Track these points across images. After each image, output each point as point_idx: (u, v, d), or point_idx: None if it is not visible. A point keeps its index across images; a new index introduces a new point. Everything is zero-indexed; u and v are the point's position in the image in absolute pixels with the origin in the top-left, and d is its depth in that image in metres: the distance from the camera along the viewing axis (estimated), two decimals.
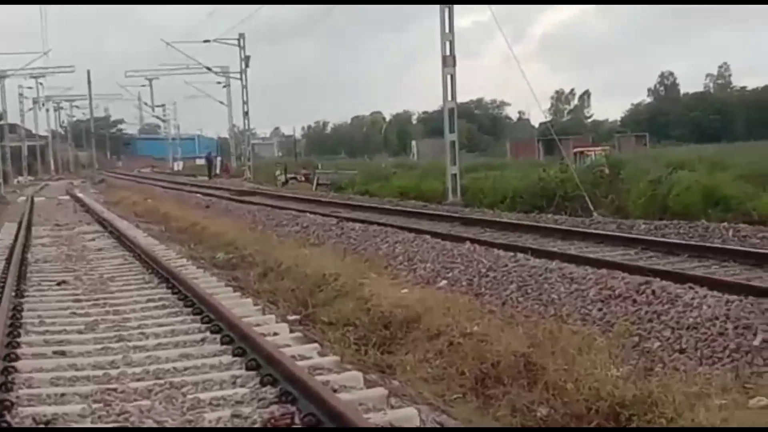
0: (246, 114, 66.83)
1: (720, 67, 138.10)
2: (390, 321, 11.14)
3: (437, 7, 29.89)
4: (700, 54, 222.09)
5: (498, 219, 22.49)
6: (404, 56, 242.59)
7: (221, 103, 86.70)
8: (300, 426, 6.28)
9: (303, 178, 50.43)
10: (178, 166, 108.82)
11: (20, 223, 26.70)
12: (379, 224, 20.95)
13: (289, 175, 53.94)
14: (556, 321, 10.39)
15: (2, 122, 74.10)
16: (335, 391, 6.92)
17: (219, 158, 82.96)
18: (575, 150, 48.77)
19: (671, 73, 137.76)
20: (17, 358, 8.61)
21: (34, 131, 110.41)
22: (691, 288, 10.75)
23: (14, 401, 7.06)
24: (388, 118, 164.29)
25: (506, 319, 10.53)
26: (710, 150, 45.19)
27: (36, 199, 44.81)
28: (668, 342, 9.40)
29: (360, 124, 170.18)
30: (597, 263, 13.19)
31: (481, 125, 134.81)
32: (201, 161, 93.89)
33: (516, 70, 36.24)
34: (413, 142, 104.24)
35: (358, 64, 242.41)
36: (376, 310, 11.64)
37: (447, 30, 29.60)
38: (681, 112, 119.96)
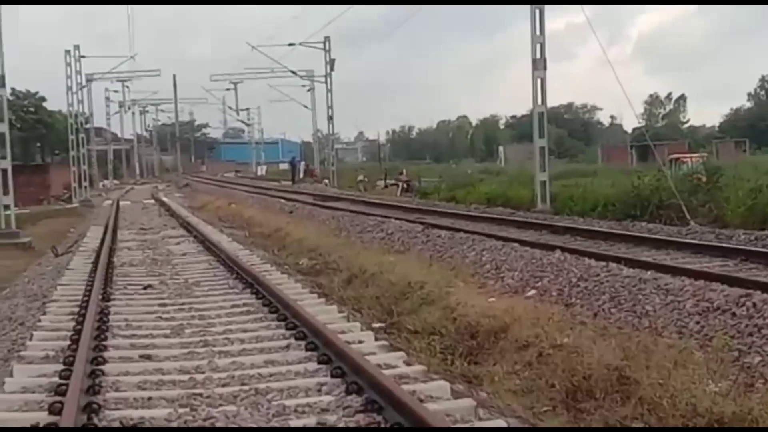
0: (330, 118, 67.13)
1: None
2: (477, 331, 11.10)
3: (528, 8, 29.74)
4: None
5: (589, 227, 22.31)
6: (492, 60, 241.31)
7: (305, 106, 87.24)
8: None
9: (405, 185, 49.49)
10: (262, 170, 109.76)
11: (106, 227, 27.24)
12: (465, 231, 20.90)
13: (389, 181, 53.50)
14: (650, 334, 10.25)
15: (89, 126, 75.28)
16: (422, 401, 6.93)
17: (303, 162, 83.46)
18: (671, 156, 47.97)
19: None
20: (104, 361, 8.80)
21: (119, 135, 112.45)
22: None
23: (102, 404, 7.21)
24: (474, 123, 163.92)
25: (598, 331, 10.42)
26: None
27: (121, 203, 45.60)
28: None
29: (446, 129, 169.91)
30: (694, 274, 13.01)
31: (572, 130, 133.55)
32: (284, 166, 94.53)
33: (609, 73, 35.98)
34: (501, 148, 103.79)
35: (443, 68, 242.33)
36: (463, 320, 11.60)
37: (537, 32, 29.41)
38: None
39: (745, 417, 6.98)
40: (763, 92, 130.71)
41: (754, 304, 10.60)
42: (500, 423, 6.70)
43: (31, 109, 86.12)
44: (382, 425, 6.48)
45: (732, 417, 7.04)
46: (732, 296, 11.09)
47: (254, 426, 6.68)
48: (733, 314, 10.53)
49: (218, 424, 6.74)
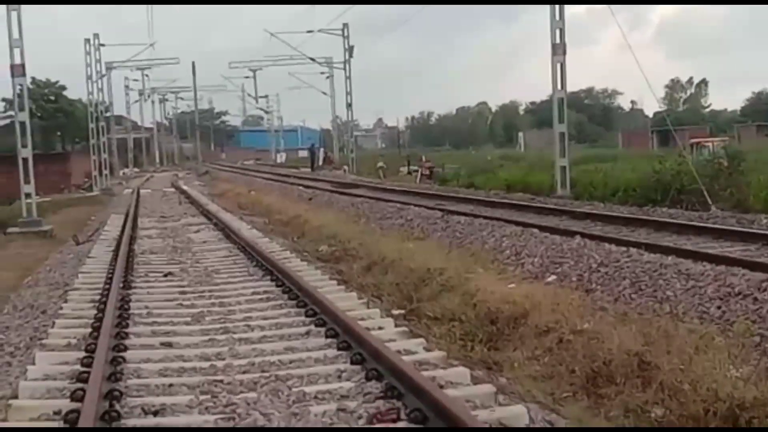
0: (349, 105, 66.99)
1: None
2: (497, 317, 11.10)
3: None
4: None
5: (609, 213, 22.25)
6: (512, 45, 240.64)
7: (324, 93, 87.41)
8: (406, 421, 6.31)
9: (428, 171, 49.25)
10: (281, 157, 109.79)
11: (127, 215, 27.38)
12: (485, 217, 20.89)
13: (412, 168, 53.27)
14: (671, 319, 10.23)
15: (109, 114, 75.39)
16: (442, 387, 6.94)
17: (322, 150, 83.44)
18: (692, 141, 47.89)
19: None
20: (126, 348, 8.85)
21: (139, 123, 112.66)
22: None
23: (124, 391, 7.26)
24: (494, 109, 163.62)
25: (619, 317, 10.42)
26: None
27: (141, 191, 45.75)
28: None
29: (465, 116, 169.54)
30: (715, 259, 12.98)
31: (592, 115, 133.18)
32: (303, 153, 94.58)
33: (630, 57, 35.80)
34: (520, 134, 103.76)
35: (462, 55, 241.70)
36: (483, 306, 11.60)
37: (557, 17, 29.30)
38: None
39: (767, 402, 6.97)
40: None
41: None
42: (521, 409, 6.68)
43: (52, 98, 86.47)
44: (402, 411, 6.49)
45: (753, 402, 7.02)
46: (753, 281, 11.06)
47: (275, 413, 6.70)
48: (755, 299, 10.51)
49: (239, 411, 6.76)
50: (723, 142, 43.05)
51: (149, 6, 76.90)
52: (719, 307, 10.66)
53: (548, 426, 5.16)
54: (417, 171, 50.28)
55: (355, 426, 6.33)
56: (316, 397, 7.05)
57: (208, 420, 6.61)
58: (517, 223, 19.21)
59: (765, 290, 10.65)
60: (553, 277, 13.72)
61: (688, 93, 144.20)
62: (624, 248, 14.46)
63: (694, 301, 11.10)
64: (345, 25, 64.93)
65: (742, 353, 8.68)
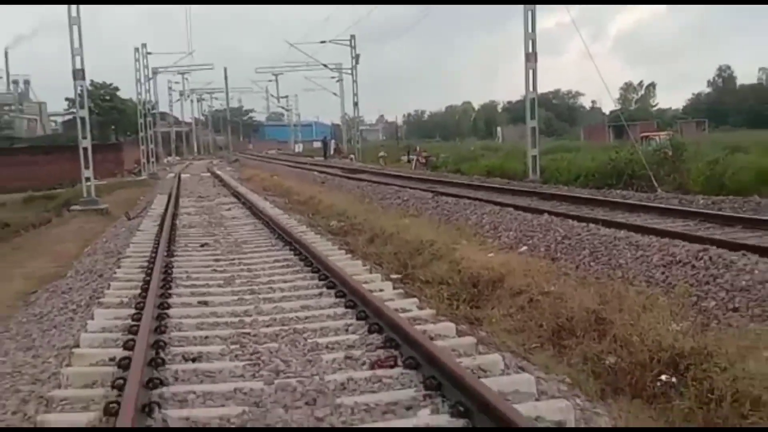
0: (356, 104, 66.93)
1: None
2: (478, 280, 11.15)
3: (521, 9, 29.54)
4: (755, 50, 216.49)
5: (572, 194, 22.23)
6: (494, 53, 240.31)
7: (334, 94, 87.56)
8: (401, 367, 6.32)
9: (424, 160, 49.13)
10: (299, 148, 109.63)
11: (170, 195, 27.37)
12: (468, 198, 20.88)
13: (411, 156, 52.83)
14: (623, 282, 10.27)
15: (155, 111, 75.43)
16: (432, 339, 6.96)
17: (333, 141, 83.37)
18: (642, 134, 47.76)
19: (728, 67, 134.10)
20: (169, 306, 8.88)
21: (180, 119, 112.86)
22: (744, 255, 10.56)
23: (167, 342, 7.29)
24: (477, 107, 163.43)
25: (579, 281, 10.45)
26: (764, 135, 43.83)
27: (182, 176, 45.66)
28: (723, 302, 9.25)
29: (453, 113, 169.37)
30: (660, 233, 12.99)
31: (558, 113, 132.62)
32: (317, 144, 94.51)
33: (591, 64, 35.71)
34: (498, 128, 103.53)
35: (451, 61, 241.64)
36: (466, 271, 11.65)
37: (530, 30, 29.27)
38: (737, 101, 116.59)
39: (702, 351, 6.99)
40: (720, 80, 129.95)
41: (710, 258, 10.59)
42: (497, 357, 6.69)
43: (107, 98, 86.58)
44: (399, 359, 6.50)
45: (690, 351, 7.06)
46: (692, 251, 11.08)
47: (293, 359, 6.72)
48: (693, 266, 10.54)
49: (263, 358, 6.78)
50: (668, 135, 42.80)
51: (188, 16, 76.62)
52: (663, 273, 10.70)
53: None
54: (416, 160, 50.03)
55: (360, 372, 6.34)
56: (327, 347, 7.08)
57: (237, 365, 6.63)
58: (495, 203, 19.20)
59: (701, 259, 10.68)
60: (525, 247, 13.75)
61: (639, 94, 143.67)
62: (584, 224, 14.46)
63: (642, 267, 11.14)
64: (352, 36, 64.80)
65: (682, 311, 8.72)
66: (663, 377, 6.97)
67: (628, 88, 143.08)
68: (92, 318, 8.72)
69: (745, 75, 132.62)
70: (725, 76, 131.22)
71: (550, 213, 16.37)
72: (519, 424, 4.55)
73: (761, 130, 57.73)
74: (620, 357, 7.56)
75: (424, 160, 48.62)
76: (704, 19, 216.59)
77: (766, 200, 18.26)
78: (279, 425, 5.22)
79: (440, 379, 5.72)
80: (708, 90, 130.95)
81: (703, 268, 10.38)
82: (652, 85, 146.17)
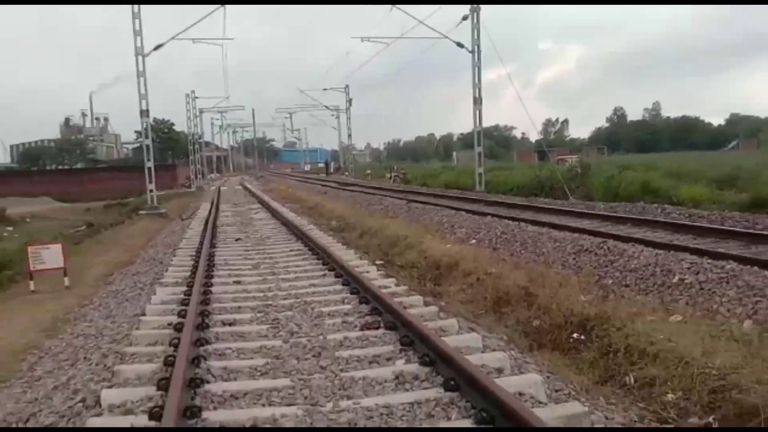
0: (349, 135, 66.84)
1: (654, 104, 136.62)
2: (439, 264, 11.18)
3: (470, 63, 29.54)
4: (641, 95, 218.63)
5: (508, 201, 22.27)
6: (450, 97, 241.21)
7: (333, 128, 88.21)
8: (383, 329, 6.32)
9: (402, 175, 49.10)
10: (307, 167, 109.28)
11: (212, 203, 27.29)
12: (432, 204, 20.92)
13: (394, 174, 52.75)
14: (545, 266, 10.33)
15: (201, 140, 75.28)
16: (405, 308, 6.96)
17: (333, 162, 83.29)
18: (558, 157, 48.03)
19: (621, 108, 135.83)
20: (211, 284, 8.85)
21: (219, 146, 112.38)
22: (633, 245, 10.62)
23: (210, 311, 7.27)
24: (438, 137, 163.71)
25: (513, 265, 10.49)
26: (647, 158, 44.18)
27: (221, 188, 45.55)
28: (618, 279, 9.31)
29: (421, 141, 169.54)
30: (572, 229, 13.04)
31: (498, 141, 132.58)
32: (321, 165, 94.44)
33: (522, 105, 35.60)
34: (454, 153, 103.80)
35: (420, 103, 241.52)
36: (431, 258, 11.68)
37: (477, 81, 29.29)
38: (627, 133, 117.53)
39: (603, 316, 7.04)
40: (615, 117, 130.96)
41: (608, 247, 10.65)
42: (453, 321, 6.70)
43: (165, 130, 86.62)
44: (382, 323, 6.51)
45: (594, 316, 7.10)
46: (595, 242, 11.15)
47: (303, 323, 6.71)
48: (596, 254, 10.60)
49: (281, 322, 6.77)
50: (577, 158, 43.06)
51: (225, 71, 76.05)
52: (574, 259, 10.75)
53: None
54: (396, 176, 50.00)
55: (353, 332, 6.34)
56: (329, 314, 7.07)
57: (262, 328, 6.62)
58: (452, 208, 19.23)
59: (602, 248, 10.74)
60: (474, 240, 13.79)
61: (557, 128, 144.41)
62: (516, 223, 14.53)
63: (559, 255, 11.19)
64: (346, 85, 64.72)
65: (588, 287, 8.79)
66: (574, 335, 7.01)
67: (548, 123, 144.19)
68: (155, 294, 8.69)
69: (634, 113, 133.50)
70: (619, 114, 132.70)
71: (492, 215, 16.41)
72: (472, 369, 4.56)
73: (645, 154, 58.29)
74: (543, 321, 7.60)
75: (402, 176, 48.60)
76: (605, 74, 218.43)
77: (649, 205, 18.40)
78: (293, 373, 5.21)
79: (412, 338, 5.72)
80: (606, 125, 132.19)
81: (603, 255, 10.44)
82: (566, 121, 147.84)
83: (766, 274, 8.09)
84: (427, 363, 5.17)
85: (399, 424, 4.15)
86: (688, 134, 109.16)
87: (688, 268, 8.84)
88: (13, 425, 5.04)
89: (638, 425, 4.81)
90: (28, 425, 4.92)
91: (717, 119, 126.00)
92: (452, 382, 4.64)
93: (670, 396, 5.41)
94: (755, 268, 8.43)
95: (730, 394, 5.12)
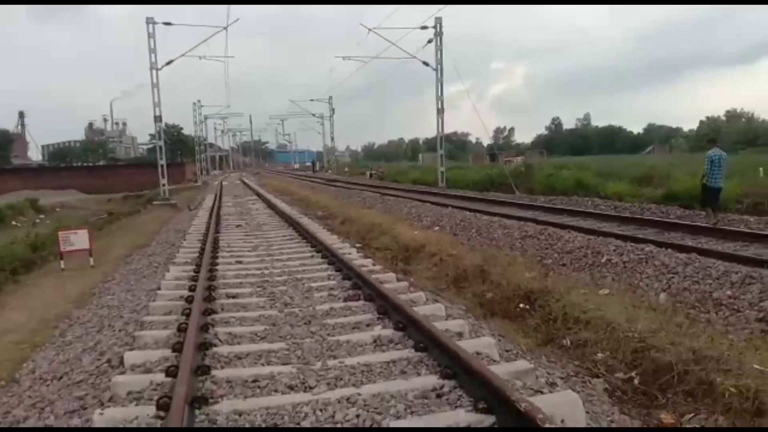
0: (332, 139, 66.93)
1: (585, 114, 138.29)
2: (408, 247, 11.20)
3: (434, 79, 29.53)
4: (575, 107, 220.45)
5: (465, 195, 22.42)
6: (418, 107, 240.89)
7: (319, 132, 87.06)
8: (363, 300, 6.31)
9: (380, 173, 48.76)
10: (296, 166, 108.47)
11: (215, 195, 26.95)
12: (402, 197, 20.97)
13: (372, 171, 52.49)
14: (497, 248, 10.40)
15: (206, 142, 74.41)
16: (381, 282, 6.95)
17: (318, 162, 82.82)
18: (506, 159, 48.17)
19: (558, 117, 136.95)
20: (217, 264, 8.77)
21: (222, 147, 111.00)
22: (569, 231, 10.75)
23: (216, 286, 7.20)
24: (407, 141, 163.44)
25: (470, 248, 10.56)
26: (579, 160, 44.59)
27: (223, 183, 45.03)
28: (556, 260, 9.41)
29: (392, 144, 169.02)
30: (519, 218, 13.18)
31: (456, 145, 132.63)
32: (308, 164, 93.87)
33: (476, 116, 35.67)
34: (420, 155, 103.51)
35: (395, 111, 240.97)
36: (402, 242, 11.69)
37: (439, 94, 29.33)
38: (562, 138, 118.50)
39: (544, 289, 7.11)
40: (553, 125, 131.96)
41: (549, 234, 10.76)
42: (421, 294, 6.72)
43: (175, 133, 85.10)
44: (362, 295, 6.50)
45: (537, 289, 7.17)
46: (537, 229, 11.26)
47: (295, 296, 6.67)
48: (538, 239, 10.70)
49: (276, 296, 6.73)
50: (522, 159, 43.33)
51: (228, 84, 75.15)
52: (520, 243, 10.83)
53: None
54: (374, 174, 49.79)
55: (337, 303, 6.32)
56: (317, 289, 7.02)
57: (261, 300, 6.58)
58: (419, 200, 19.31)
59: (543, 234, 10.84)
60: (437, 227, 13.83)
61: (505, 134, 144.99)
62: (472, 213, 14.62)
63: (508, 239, 11.27)
64: (330, 97, 64.50)
65: (532, 266, 8.85)
66: (521, 305, 7.08)
67: (498, 130, 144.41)
68: (168, 271, 8.58)
69: (568, 123, 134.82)
70: (556, 123, 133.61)
71: (452, 206, 16.50)
72: (437, 333, 4.58)
73: (578, 157, 58.86)
74: (495, 294, 7.66)
75: (380, 174, 48.44)
76: (545, 89, 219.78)
77: (581, 199, 18.62)
78: (288, 337, 5.19)
79: (387, 308, 5.73)
80: (546, 132, 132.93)
81: (545, 239, 10.54)
82: (512, 129, 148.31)
83: (677, 255, 8.24)
84: (400, 329, 5.17)
85: (377, 379, 4.16)
86: (613, 140, 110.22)
87: (614, 250, 8.96)
88: (48, 382, 4.97)
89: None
90: (62, 381, 4.85)
91: (636, 128, 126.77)
92: (421, 344, 4.66)
93: (599, 355, 5.49)
94: (669, 250, 8.59)
95: (649, 353, 5.21)
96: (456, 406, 3.66)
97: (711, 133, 54.29)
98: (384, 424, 3.44)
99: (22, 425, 4.17)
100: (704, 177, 12.35)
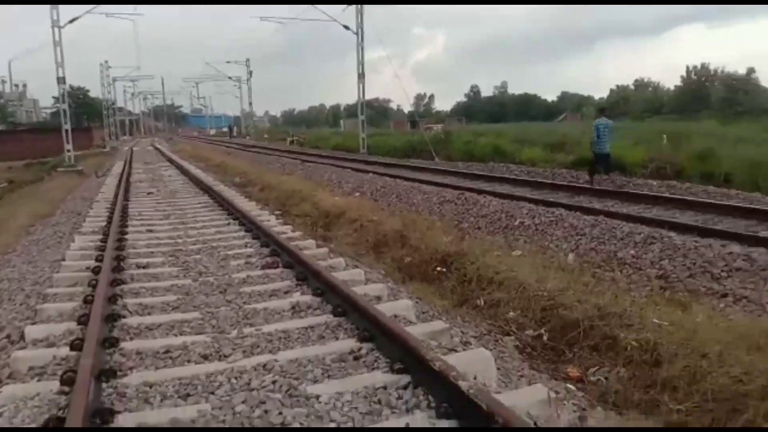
0: (250, 103, 65.35)
1: (502, 82, 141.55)
2: (329, 213, 11.12)
3: (354, 42, 29.16)
4: (492, 75, 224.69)
5: (386, 161, 22.49)
6: (339, 72, 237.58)
7: (237, 96, 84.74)
8: (281, 267, 6.24)
9: (302, 139, 48.13)
10: (212, 131, 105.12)
11: (125, 161, 25.73)
12: (323, 164, 20.82)
13: (293, 137, 51.36)
14: (416, 213, 10.51)
15: (114, 106, 70.68)
16: (300, 249, 6.90)
17: (235, 127, 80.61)
18: (426, 126, 48.62)
19: (477, 85, 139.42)
20: (126, 233, 8.41)
21: (132, 110, 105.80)
22: (485, 196, 11.02)
23: (125, 255, 6.91)
24: (328, 107, 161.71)
25: (390, 213, 10.62)
26: (497, 127, 45.63)
27: (134, 149, 43.05)
28: (472, 224, 9.63)
29: (313, 110, 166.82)
30: (437, 184, 13.38)
31: (378, 112, 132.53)
32: (225, 129, 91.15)
33: (397, 82, 35.62)
34: (342, 121, 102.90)
35: (315, 75, 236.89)
36: (322, 208, 11.59)
37: (360, 59, 29.03)
38: (481, 106, 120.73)
39: (461, 252, 7.26)
40: (472, 93, 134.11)
41: (466, 198, 10.99)
42: (340, 259, 6.72)
43: (81, 96, 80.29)
44: (280, 263, 6.41)
45: (454, 252, 7.31)
46: (455, 194, 11.48)
47: (210, 265, 6.51)
48: (455, 203, 10.91)
49: (190, 265, 6.53)
50: (442, 126, 43.90)
51: (138, 44, 71.49)
52: (438, 208, 11.01)
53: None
54: (295, 140, 48.93)
55: (255, 272, 6.22)
56: (233, 257, 6.89)
57: (173, 270, 6.37)
58: (340, 167, 19.22)
59: (460, 199, 11.06)
60: (358, 194, 13.81)
61: (425, 101, 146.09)
62: (393, 179, 14.72)
63: (427, 204, 11.43)
64: (247, 59, 62.72)
65: (449, 230, 9.02)
66: (438, 268, 7.21)
67: (419, 97, 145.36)
68: (74, 241, 8.14)
69: (486, 90, 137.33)
70: (474, 91, 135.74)
71: (372, 173, 16.54)
72: (356, 297, 4.60)
73: (495, 124, 60.32)
74: (413, 258, 7.76)
75: (301, 140, 47.71)
76: (465, 57, 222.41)
77: (497, 165, 19.13)
78: (202, 306, 5.06)
79: (306, 274, 5.70)
80: (465, 99, 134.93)
81: (461, 204, 10.76)
82: (433, 96, 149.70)
83: (585, 218, 8.63)
84: (319, 294, 5.16)
85: (295, 345, 4.14)
86: (529, 108, 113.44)
87: (527, 214, 9.28)
88: None
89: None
90: None
91: (551, 96, 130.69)
92: (340, 309, 4.67)
93: (511, 314, 5.70)
94: (577, 213, 8.98)
95: (557, 311, 5.45)
96: (373, 368, 3.70)
97: (602, 103, 57.13)
98: (301, 389, 3.43)
99: None
100: (592, 144, 13.13)
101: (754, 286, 5.77)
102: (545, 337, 5.26)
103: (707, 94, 76.30)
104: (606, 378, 4.52)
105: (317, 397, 3.34)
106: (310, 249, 7.23)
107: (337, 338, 4.23)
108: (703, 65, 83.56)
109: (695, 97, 75.79)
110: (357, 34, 28.79)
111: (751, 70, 75.71)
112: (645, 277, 6.48)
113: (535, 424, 3.06)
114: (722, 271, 6.14)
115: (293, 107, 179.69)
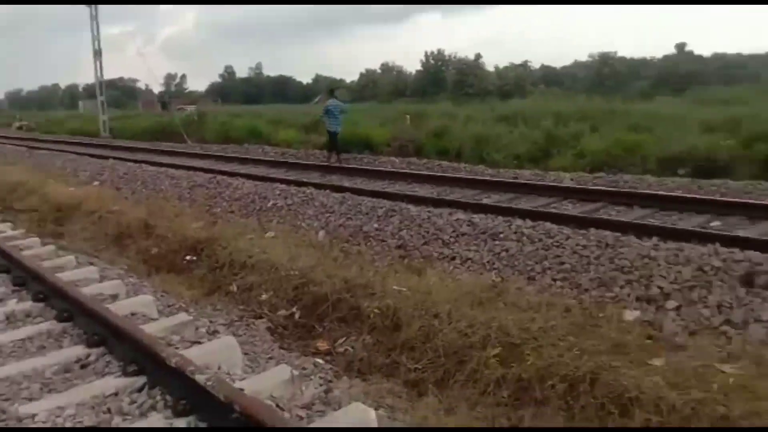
0: None
1: (257, 64, 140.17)
2: (62, 206, 9.88)
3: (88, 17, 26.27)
4: (247, 56, 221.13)
5: (131, 146, 20.83)
6: (77, 48, 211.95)
7: None
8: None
9: (32, 124, 42.11)
10: None
11: None
12: (57, 150, 18.59)
13: (21, 122, 44.64)
14: (164, 201, 9.91)
15: None
16: (21, 249, 6.04)
17: None
18: (178, 107, 46.16)
19: (231, 66, 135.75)
20: None
21: None
22: (238, 179, 10.83)
23: None
24: (64, 87, 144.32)
25: (134, 202, 9.89)
26: (253, 108, 45.07)
27: None
28: (225, 208, 9.39)
29: (45, 90, 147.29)
30: (188, 168, 12.82)
31: (124, 92, 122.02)
32: None
33: (144, 59, 33.14)
34: (80, 102, 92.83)
35: (44, 53, 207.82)
36: (53, 201, 10.27)
37: (95, 34, 26.27)
38: (237, 87, 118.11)
39: (212, 238, 6.98)
40: (226, 74, 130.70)
41: (218, 181, 10.70)
42: (71, 257, 6.01)
43: None
44: None
45: (205, 239, 7.00)
46: (206, 178, 11.13)
47: None
48: (207, 188, 10.53)
49: None
50: (195, 107, 42.11)
51: None
52: (189, 193, 10.53)
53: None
54: (23, 125, 42.71)
55: None
56: None
57: None
58: (76, 153, 17.35)
59: (212, 182, 10.74)
60: (97, 182, 12.55)
61: (177, 80, 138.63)
62: (138, 164, 13.81)
63: (176, 190, 10.85)
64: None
65: (200, 215, 8.69)
66: (187, 257, 6.88)
67: (169, 76, 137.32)
68: None
69: (241, 71, 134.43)
70: (229, 72, 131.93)
71: (115, 158, 15.26)
72: (83, 298, 4.13)
73: (252, 105, 59.95)
74: (161, 248, 7.30)
75: (30, 125, 41.89)
76: (217, 36, 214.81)
77: (253, 146, 19.01)
78: None
79: (25, 278, 4.98)
80: (219, 80, 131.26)
81: (214, 188, 10.43)
82: (185, 76, 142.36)
83: (334, 195, 8.95)
84: (40, 299, 4.55)
85: (7, 362, 3.58)
86: (285, 90, 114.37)
87: (279, 194, 9.32)
88: None
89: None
90: None
91: (306, 78, 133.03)
92: (65, 314, 4.16)
93: (264, 296, 5.67)
94: (327, 191, 9.28)
95: (308, 288, 5.54)
96: (103, 375, 3.37)
97: (331, 84, 60.83)
98: (11, 411, 2.97)
99: None
100: (325, 124, 14.03)
101: (477, 248, 6.51)
102: (297, 315, 5.32)
103: (443, 78, 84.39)
104: (352, 347, 4.72)
105: (33, 416, 2.93)
106: (33, 248, 6.38)
107: (61, 347, 3.77)
108: (439, 51, 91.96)
109: (433, 80, 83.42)
110: (90, 6, 26.00)
111: (478, 56, 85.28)
112: (387, 247, 6.93)
113: (277, 405, 3.06)
114: (450, 236, 6.83)
115: (20, 87, 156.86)
